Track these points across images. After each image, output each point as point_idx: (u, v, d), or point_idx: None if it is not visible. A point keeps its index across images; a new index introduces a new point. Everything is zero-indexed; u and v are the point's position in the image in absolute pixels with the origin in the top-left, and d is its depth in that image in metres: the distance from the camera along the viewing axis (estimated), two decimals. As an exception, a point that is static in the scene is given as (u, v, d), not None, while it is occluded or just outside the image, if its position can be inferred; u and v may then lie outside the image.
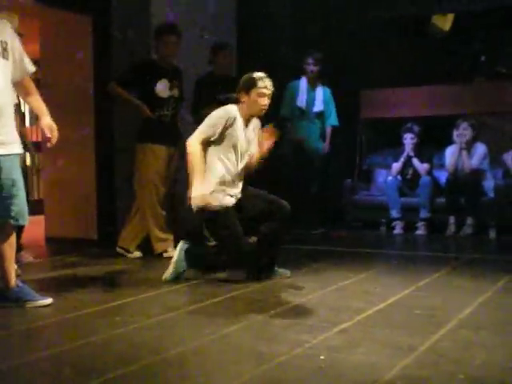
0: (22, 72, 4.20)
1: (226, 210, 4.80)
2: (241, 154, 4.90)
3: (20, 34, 5.16)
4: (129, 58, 6.87)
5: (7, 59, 4.09)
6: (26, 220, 4.20)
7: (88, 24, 7.10)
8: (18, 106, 5.43)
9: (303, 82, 7.78)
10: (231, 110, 4.85)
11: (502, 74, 8.47)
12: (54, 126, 4.26)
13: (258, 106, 4.85)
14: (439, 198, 7.69)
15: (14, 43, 4.15)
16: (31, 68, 4.26)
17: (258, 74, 4.86)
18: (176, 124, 6.31)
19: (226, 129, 4.79)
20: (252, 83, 4.83)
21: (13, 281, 4.18)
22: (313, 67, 7.74)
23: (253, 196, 4.97)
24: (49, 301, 4.24)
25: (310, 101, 7.77)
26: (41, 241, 7.47)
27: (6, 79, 4.07)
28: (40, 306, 4.17)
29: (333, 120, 7.82)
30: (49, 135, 4.22)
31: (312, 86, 7.80)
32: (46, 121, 4.25)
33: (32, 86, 4.30)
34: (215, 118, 4.84)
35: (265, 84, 4.82)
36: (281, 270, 5.03)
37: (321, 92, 7.78)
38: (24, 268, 5.67)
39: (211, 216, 4.81)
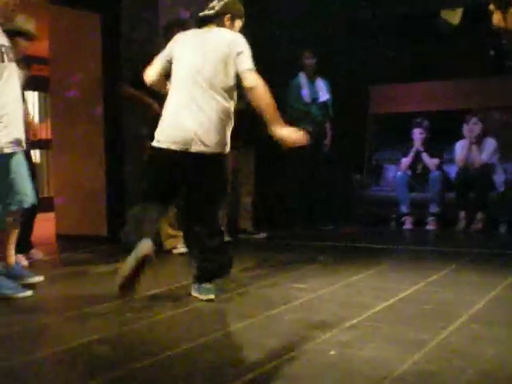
0: None
1: None
2: None
3: (35, 37, 5.20)
4: (138, 56, 6.87)
5: (13, 61, 4.14)
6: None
7: (97, 22, 7.12)
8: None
9: (302, 77, 7.80)
10: None
11: (512, 68, 8.43)
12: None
13: None
14: (449, 193, 7.67)
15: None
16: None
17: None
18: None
19: None
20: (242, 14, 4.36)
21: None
22: (311, 60, 7.75)
23: None
24: (28, 293, 4.40)
25: (313, 93, 7.77)
26: (51, 238, 7.50)
27: (19, 83, 4.15)
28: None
29: (330, 112, 7.84)
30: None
31: (311, 79, 7.82)
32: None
33: None
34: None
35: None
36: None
37: (321, 83, 7.79)
38: (35, 265, 5.71)
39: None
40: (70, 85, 7.23)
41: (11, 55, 4.30)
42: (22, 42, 5.12)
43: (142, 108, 6.31)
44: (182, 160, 4.03)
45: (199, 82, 4.05)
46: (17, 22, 5.04)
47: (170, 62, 4.22)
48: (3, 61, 4.21)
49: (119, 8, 7.10)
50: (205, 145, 4.01)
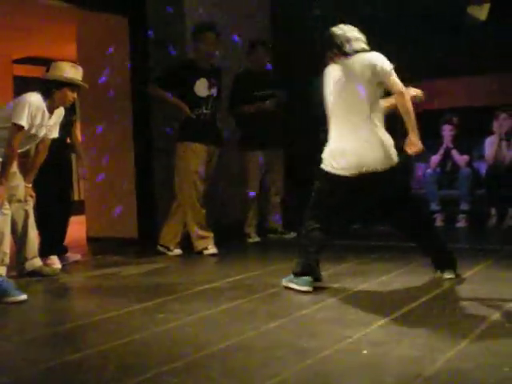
0: None
1: None
2: None
3: (83, 87, 5.30)
4: (165, 58, 6.93)
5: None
6: None
7: (124, 25, 7.18)
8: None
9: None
10: None
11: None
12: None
13: None
14: (479, 190, 7.62)
15: None
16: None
17: None
18: (215, 123, 6.35)
19: None
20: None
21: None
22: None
23: None
24: (23, 297, 4.36)
25: None
26: (82, 240, 7.57)
27: None
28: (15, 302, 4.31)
29: None
30: None
31: None
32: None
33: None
34: None
35: None
36: None
37: None
38: (68, 267, 5.77)
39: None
40: (98, 87, 7.29)
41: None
42: (70, 93, 5.18)
43: (172, 110, 6.36)
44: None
45: None
46: (65, 71, 5.13)
47: None
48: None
49: (145, 10, 7.16)
50: None
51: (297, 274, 4.43)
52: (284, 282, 4.53)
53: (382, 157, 4.37)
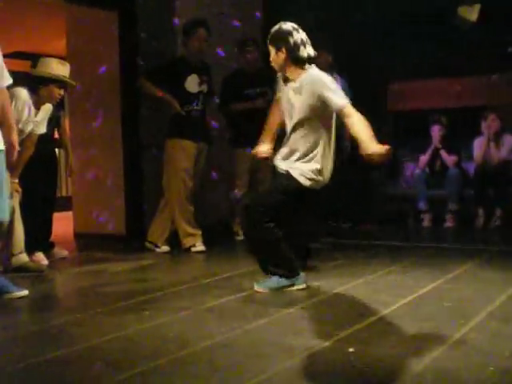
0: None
1: None
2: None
3: (71, 85, 5.26)
4: (155, 54, 6.91)
5: None
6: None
7: (114, 20, 7.14)
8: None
9: None
10: None
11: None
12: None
13: None
14: (468, 190, 7.64)
15: None
16: (7, 81, 4.09)
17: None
18: (205, 119, 6.34)
19: None
20: None
21: None
22: (323, 58, 7.65)
23: None
24: (24, 292, 4.34)
25: None
26: (69, 237, 7.54)
27: None
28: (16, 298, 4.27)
29: None
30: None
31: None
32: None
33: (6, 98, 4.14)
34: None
35: None
36: None
37: (339, 79, 7.70)
38: (55, 263, 5.75)
39: None
40: (87, 82, 7.24)
41: None
42: (57, 90, 5.16)
43: (161, 105, 6.34)
44: None
45: None
46: (52, 67, 5.10)
47: None
48: None
49: (135, 5, 7.13)
50: None
51: (287, 276, 4.38)
52: (270, 286, 4.38)
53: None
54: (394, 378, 2.67)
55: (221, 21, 7.39)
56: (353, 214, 7.93)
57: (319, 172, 4.35)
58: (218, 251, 6.23)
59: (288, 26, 4.35)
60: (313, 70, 4.33)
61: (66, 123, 6.62)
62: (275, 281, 4.37)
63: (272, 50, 4.38)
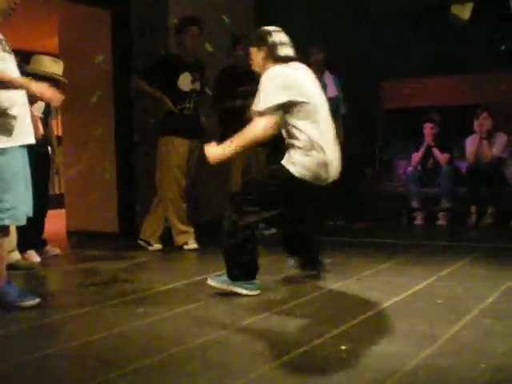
0: None
1: None
2: None
3: (63, 83, 5.23)
4: (148, 51, 6.90)
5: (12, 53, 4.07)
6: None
7: (107, 17, 7.12)
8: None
9: None
10: None
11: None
12: (45, 87, 4.00)
13: None
14: (460, 188, 7.65)
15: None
16: None
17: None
18: (198, 117, 6.33)
19: None
20: None
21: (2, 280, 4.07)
22: (316, 56, 7.65)
23: None
24: (36, 301, 4.08)
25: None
26: (62, 234, 7.52)
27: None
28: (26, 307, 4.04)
29: (341, 109, 7.66)
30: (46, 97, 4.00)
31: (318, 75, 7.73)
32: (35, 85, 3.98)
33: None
34: None
35: None
36: None
37: (330, 79, 7.67)
38: (47, 261, 5.74)
39: None
40: (79, 80, 7.21)
41: (7, 47, 4.14)
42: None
43: (153, 103, 6.34)
44: None
45: None
46: (45, 65, 5.05)
47: None
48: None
49: (128, 2, 7.11)
50: None
51: (244, 278, 4.26)
52: (221, 283, 4.31)
53: None
54: (387, 375, 2.68)
55: (213, 18, 7.38)
56: (345, 211, 7.94)
57: (307, 167, 4.19)
58: (210, 249, 6.21)
59: (269, 27, 4.44)
60: (272, 68, 4.29)
61: (54, 121, 6.58)
62: (227, 280, 4.28)
63: (253, 51, 4.44)
